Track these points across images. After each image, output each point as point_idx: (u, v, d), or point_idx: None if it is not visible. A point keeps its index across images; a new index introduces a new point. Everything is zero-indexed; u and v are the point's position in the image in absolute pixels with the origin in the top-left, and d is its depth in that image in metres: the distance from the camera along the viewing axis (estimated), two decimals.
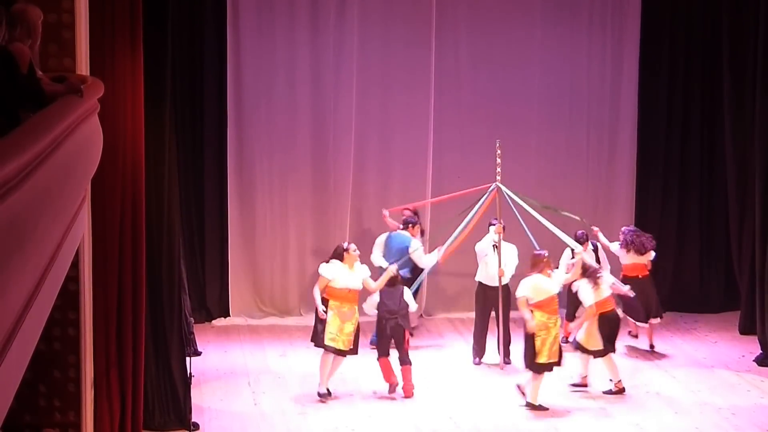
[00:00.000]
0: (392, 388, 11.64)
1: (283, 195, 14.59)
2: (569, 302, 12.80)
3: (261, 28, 14.28)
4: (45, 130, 4.63)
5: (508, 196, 12.63)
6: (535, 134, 15.04)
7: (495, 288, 12.63)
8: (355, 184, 14.70)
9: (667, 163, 15.19)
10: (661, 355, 13.12)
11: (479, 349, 12.88)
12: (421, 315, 14.57)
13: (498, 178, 12.61)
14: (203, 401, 11.33)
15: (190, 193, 14.01)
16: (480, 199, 12.72)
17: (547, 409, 11.27)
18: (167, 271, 10.32)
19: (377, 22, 14.53)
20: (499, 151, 12.56)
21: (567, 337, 12.61)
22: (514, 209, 12.69)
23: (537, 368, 11.32)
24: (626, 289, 12.50)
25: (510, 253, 12.72)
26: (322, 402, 11.41)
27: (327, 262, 11.70)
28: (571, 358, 11.86)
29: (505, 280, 12.64)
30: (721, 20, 14.15)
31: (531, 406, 11.29)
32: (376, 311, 11.69)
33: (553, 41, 14.93)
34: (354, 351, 11.53)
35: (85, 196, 7.59)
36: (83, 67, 8.24)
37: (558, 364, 11.39)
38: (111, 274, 9.30)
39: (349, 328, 11.43)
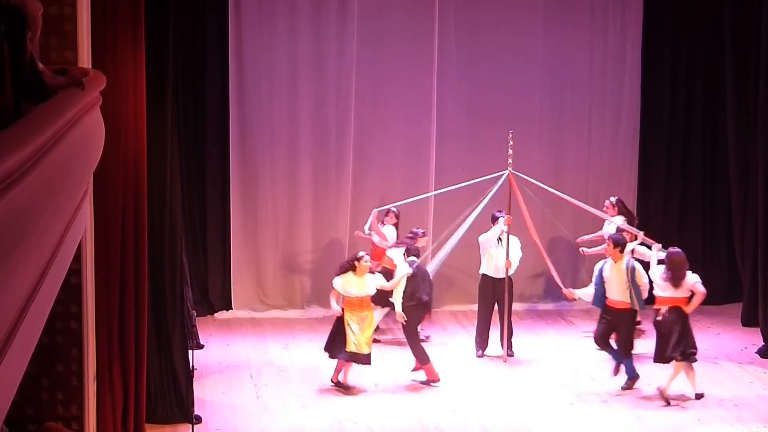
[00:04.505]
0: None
1: (285, 187, 14.57)
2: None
3: (263, 19, 14.25)
4: (46, 123, 4.62)
5: (524, 181, 12.61)
6: (538, 126, 15.02)
7: (501, 280, 12.62)
8: (356, 177, 14.68)
9: (670, 154, 15.19)
10: None
11: (482, 342, 12.87)
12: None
13: (510, 169, 12.58)
14: (206, 394, 11.33)
15: (193, 186, 13.99)
16: (492, 188, 12.69)
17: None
18: (169, 264, 10.31)
19: (379, 12, 14.50)
20: (511, 142, 12.55)
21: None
22: (532, 194, 12.69)
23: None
24: None
25: (514, 245, 12.71)
26: (335, 387, 11.59)
27: (340, 273, 11.73)
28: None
29: (511, 272, 12.63)
30: (723, 10, 14.14)
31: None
32: None
33: (555, 33, 14.91)
34: (368, 359, 11.57)
35: (87, 189, 7.57)
36: (85, 59, 8.22)
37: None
38: (113, 267, 9.30)
39: (368, 332, 11.57)
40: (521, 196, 12.59)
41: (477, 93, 14.82)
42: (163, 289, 10.29)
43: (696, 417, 10.97)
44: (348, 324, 11.47)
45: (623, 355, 11.62)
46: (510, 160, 12.57)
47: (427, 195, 13.92)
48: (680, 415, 11.04)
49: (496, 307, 12.82)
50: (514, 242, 12.77)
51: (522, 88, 14.95)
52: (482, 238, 12.81)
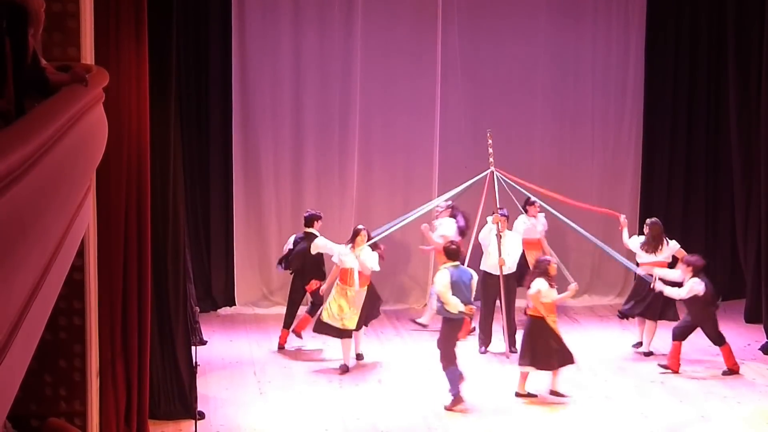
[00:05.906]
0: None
1: (288, 183, 14.58)
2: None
3: (266, 16, 14.26)
4: (49, 120, 4.62)
5: (504, 181, 12.62)
6: (541, 123, 15.03)
7: (498, 277, 12.62)
8: (360, 174, 14.69)
9: (673, 152, 15.20)
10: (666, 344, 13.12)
11: (485, 338, 12.88)
12: (425, 305, 14.64)
13: (491, 167, 12.63)
14: (209, 390, 11.33)
15: (196, 182, 14.01)
16: (477, 185, 12.73)
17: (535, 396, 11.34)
18: (172, 260, 10.32)
19: (383, 10, 14.51)
20: (490, 141, 12.63)
21: None
22: (510, 194, 12.72)
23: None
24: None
25: (514, 243, 12.71)
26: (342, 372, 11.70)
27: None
28: None
29: (508, 270, 12.61)
30: (726, 7, 14.13)
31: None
32: None
33: (559, 31, 14.92)
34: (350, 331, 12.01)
35: (90, 186, 7.58)
36: (88, 56, 8.22)
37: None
38: (116, 263, 9.30)
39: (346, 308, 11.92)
40: (487, 195, 12.58)
41: (480, 91, 14.83)
42: (166, 285, 10.30)
43: (699, 414, 10.98)
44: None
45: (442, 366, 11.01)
46: (491, 159, 12.60)
47: (402, 221, 13.29)
48: (683, 412, 11.04)
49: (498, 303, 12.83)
50: (515, 239, 12.79)
51: (525, 86, 14.95)
52: (481, 235, 12.84)
